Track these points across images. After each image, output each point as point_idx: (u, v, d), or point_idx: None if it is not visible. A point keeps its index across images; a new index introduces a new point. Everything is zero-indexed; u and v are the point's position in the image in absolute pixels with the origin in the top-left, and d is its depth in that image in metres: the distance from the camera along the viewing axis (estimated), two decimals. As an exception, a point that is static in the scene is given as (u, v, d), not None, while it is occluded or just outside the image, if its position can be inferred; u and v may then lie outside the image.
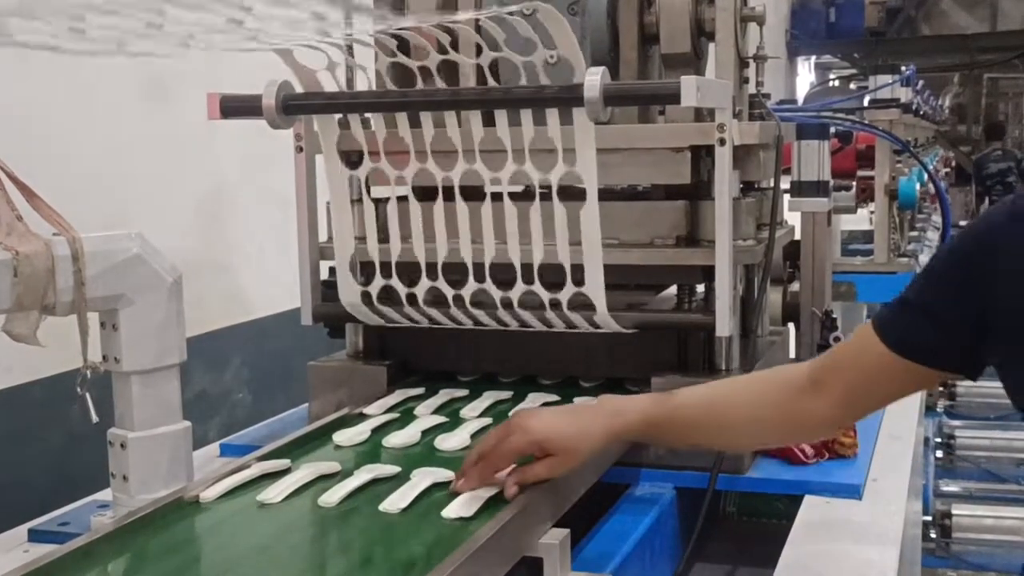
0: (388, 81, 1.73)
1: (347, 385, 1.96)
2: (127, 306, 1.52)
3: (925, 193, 4.92)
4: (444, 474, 1.45)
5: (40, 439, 2.57)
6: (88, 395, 1.49)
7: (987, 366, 1.29)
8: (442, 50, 1.66)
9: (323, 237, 1.99)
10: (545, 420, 1.42)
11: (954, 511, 4.25)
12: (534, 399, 1.84)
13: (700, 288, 1.89)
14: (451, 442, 1.63)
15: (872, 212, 4.68)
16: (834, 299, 2.52)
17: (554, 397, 1.86)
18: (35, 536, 1.65)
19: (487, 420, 1.74)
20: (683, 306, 1.90)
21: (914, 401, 2.33)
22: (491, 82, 1.72)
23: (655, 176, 1.86)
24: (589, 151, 1.58)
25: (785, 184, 2.23)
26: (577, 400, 1.82)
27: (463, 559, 1.16)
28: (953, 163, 10.26)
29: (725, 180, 1.69)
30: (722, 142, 1.69)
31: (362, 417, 1.77)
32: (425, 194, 1.75)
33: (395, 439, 1.65)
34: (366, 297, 1.84)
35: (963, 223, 5.33)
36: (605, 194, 1.65)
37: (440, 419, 1.75)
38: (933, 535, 4.19)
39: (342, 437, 1.66)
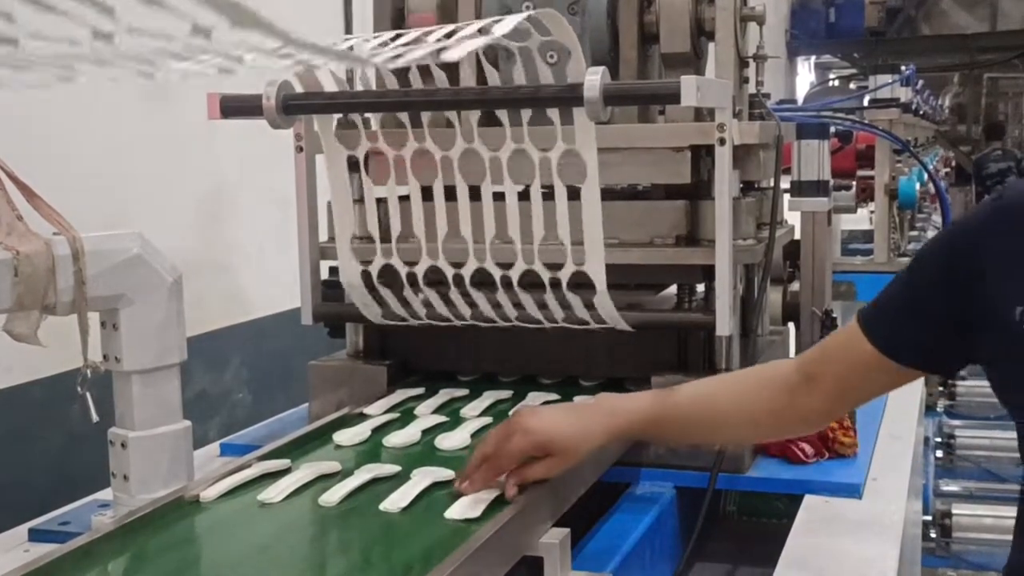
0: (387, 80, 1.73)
1: (347, 385, 1.96)
2: (127, 306, 1.52)
3: (925, 193, 4.92)
4: (444, 473, 1.45)
5: (40, 439, 2.57)
6: (88, 395, 1.49)
7: (973, 363, 1.31)
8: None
9: (323, 237, 1.99)
10: (546, 420, 1.42)
11: (954, 511, 4.26)
12: (534, 399, 1.84)
13: (700, 288, 1.89)
14: (451, 441, 1.63)
15: (872, 212, 4.68)
16: (834, 299, 2.52)
17: (554, 396, 1.86)
18: (36, 536, 1.65)
19: (487, 420, 1.74)
20: (683, 306, 1.90)
21: (914, 401, 2.33)
22: (490, 79, 1.72)
23: (655, 176, 1.86)
24: (589, 133, 1.58)
25: (785, 184, 2.23)
26: (577, 400, 1.82)
27: (463, 558, 1.16)
28: (953, 163, 10.26)
29: (725, 180, 1.69)
30: (722, 142, 1.69)
31: (362, 417, 1.77)
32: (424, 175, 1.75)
33: (395, 439, 1.65)
34: (366, 277, 1.83)
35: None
36: (605, 194, 1.65)
37: (440, 419, 1.75)
38: (933, 535, 4.20)
39: (342, 437, 1.66)
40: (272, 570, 1.24)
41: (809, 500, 1.71)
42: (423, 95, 1.70)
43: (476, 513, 1.32)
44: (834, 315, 2.39)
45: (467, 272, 1.74)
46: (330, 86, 1.72)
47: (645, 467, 1.78)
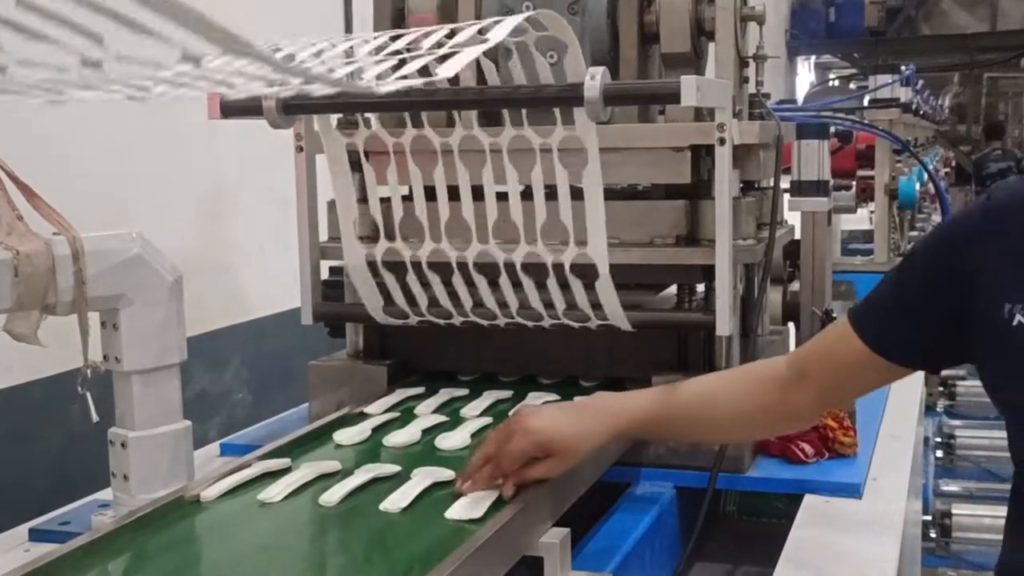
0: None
1: (347, 385, 1.96)
2: (127, 306, 1.52)
3: (925, 193, 4.91)
4: (444, 473, 1.45)
5: (41, 439, 2.58)
6: (88, 395, 1.49)
7: (963, 362, 1.33)
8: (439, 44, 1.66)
9: (323, 237, 1.99)
10: (546, 420, 1.42)
11: (954, 511, 4.26)
12: (534, 398, 1.85)
13: (700, 288, 1.89)
14: (451, 441, 1.63)
15: (872, 212, 4.68)
16: (834, 299, 2.52)
17: (554, 396, 1.86)
18: (36, 535, 1.65)
19: (487, 419, 1.74)
20: (683, 305, 1.91)
21: (914, 401, 2.34)
22: (489, 77, 1.72)
23: (655, 176, 1.86)
24: (589, 124, 1.58)
25: (785, 184, 2.23)
26: (576, 399, 1.82)
27: (463, 558, 1.16)
28: (953, 163, 10.25)
29: (725, 180, 1.69)
30: (722, 142, 1.69)
31: (362, 416, 1.77)
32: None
33: (395, 438, 1.65)
34: (370, 260, 1.83)
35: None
36: (605, 194, 1.65)
37: (440, 418, 1.75)
38: (933, 535, 4.20)
39: (342, 436, 1.66)
40: (272, 570, 1.24)
41: (809, 500, 1.71)
42: (423, 95, 1.69)
43: (477, 513, 1.32)
44: (834, 315, 2.38)
45: (471, 254, 1.74)
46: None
47: (645, 467, 1.78)
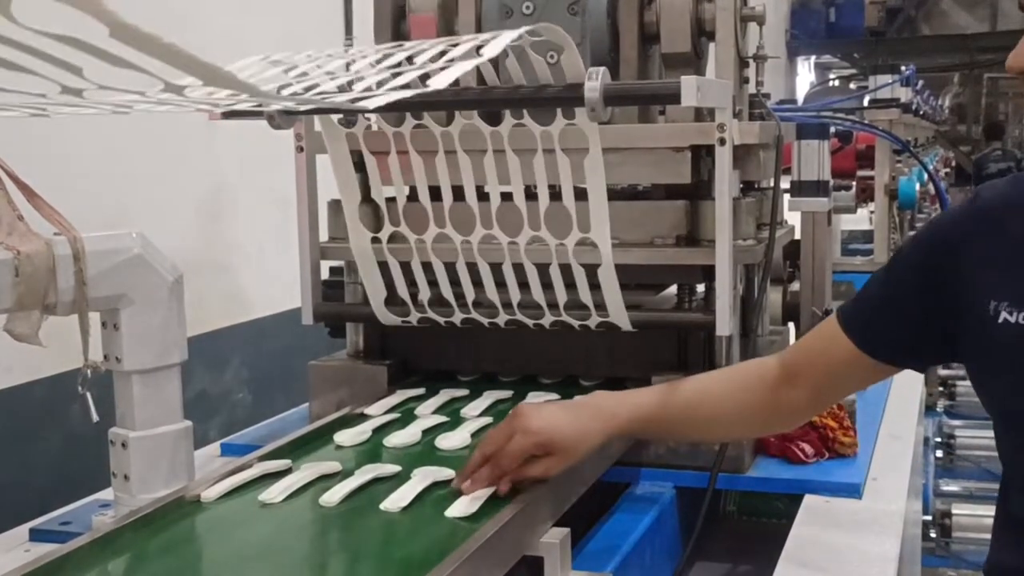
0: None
1: (348, 385, 1.96)
2: (128, 306, 1.52)
3: (925, 193, 4.91)
4: (445, 473, 1.45)
5: (41, 438, 2.58)
6: (89, 395, 1.49)
7: (950, 360, 1.35)
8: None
9: (323, 237, 1.99)
10: (546, 419, 1.42)
11: (954, 511, 4.26)
12: (534, 398, 1.84)
13: (700, 287, 1.89)
14: (452, 441, 1.63)
15: (872, 212, 4.68)
16: (834, 299, 2.52)
17: (554, 396, 1.86)
18: (36, 535, 1.65)
19: (488, 419, 1.74)
20: (683, 305, 1.91)
21: (914, 401, 2.34)
22: (488, 78, 1.72)
23: (655, 176, 1.86)
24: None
25: (785, 184, 2.24)
26: (575, 398, 1.82)
27: (464, 558, 1.16)
28: (953, 163, 10.25)
29: (725, 180, 1.69)
30: (722, 142, 1.69)
31: (363, 417, 1.78)
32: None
33: (396, 439, 1.65)
34: (375, 243, 1.83)
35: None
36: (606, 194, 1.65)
37: (441, 419, 1.75)
38: (933, 534, 4.20)
39: (343, 437, 1.66)
40: (273, 570, 1.24)
41: (809, 500, 1.71)
42: (423, 95, 1.70)
43: (474, 509, 1.32)
44: (834, 315, 2.39)
45: (475, 239, 1.74)
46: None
47: (645, 467, 1.78)
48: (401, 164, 1.78)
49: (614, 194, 1.98)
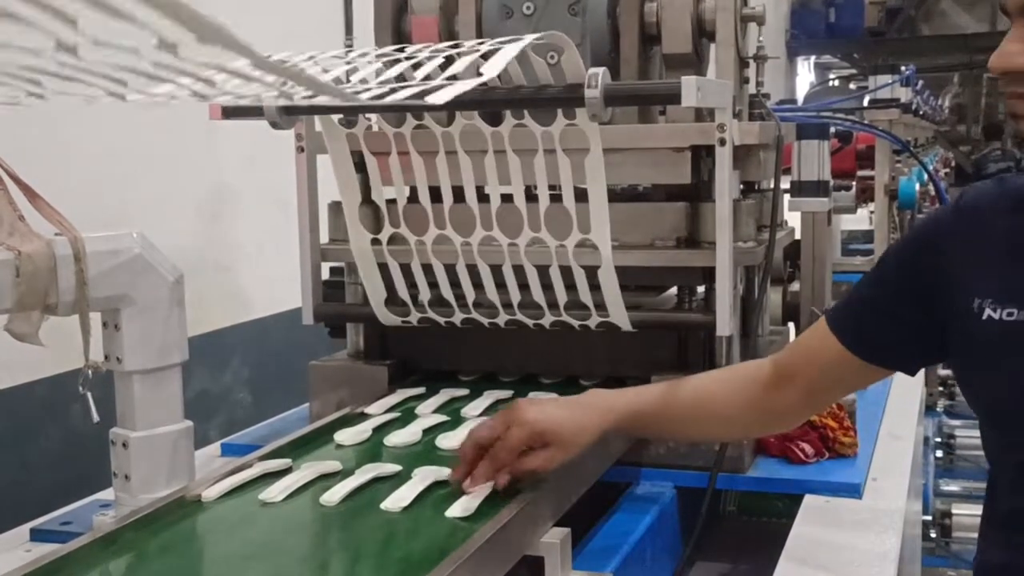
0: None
1: (348, 385, 1.96)
2: (129, 306, 1.52)
3: (925, 193, 4.91)
4: (445, 473, 1.45)
5: (42, 438, 2.58)
6: (90, 395, 1.49)
7: (938, 361, 1.36)
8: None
9: (323, 239, 1.99)
10: (542, 411, 1.43)
11: (954, 511, 4.26)
12: (535, 398, 1.85)
13: (700, 287, 1.89)
14: (452, 441, 1.63)
15: (872, 212, 4.68)
16: (834, 299, 2.53)
17: (554, 396, 1.86)
18: (37, 535, 1.66)
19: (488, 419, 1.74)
20: (683, 305, 1.91)
21: (914, 401, 2.34)
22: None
23: (655, 176, 1.86)
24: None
25: (785, 184, 2.24)
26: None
27: (464, 558, 1.16)
28: (953, 163, 10.25)
29: (725, 180, 1.69)
30: (722, 142, 1.69)
31: (363, 416, 1.78)
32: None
33: (396, 438, 1.65)
34: (375, 244, 1.83)
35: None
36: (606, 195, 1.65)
37: (441, 418, 1.76)
38: (933, 534, 4.20)
39: (343, 436, 1.66)
40: (273, 570, 1.24)
41: (809, 500, 1.71)
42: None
43: (474, 507, 1.33)
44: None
45: (475, 240, 1.74)
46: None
47: (645, 467, 1.78)
48: (402, 164, 1.78)
49: (614, 196, 1.98)
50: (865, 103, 4.75)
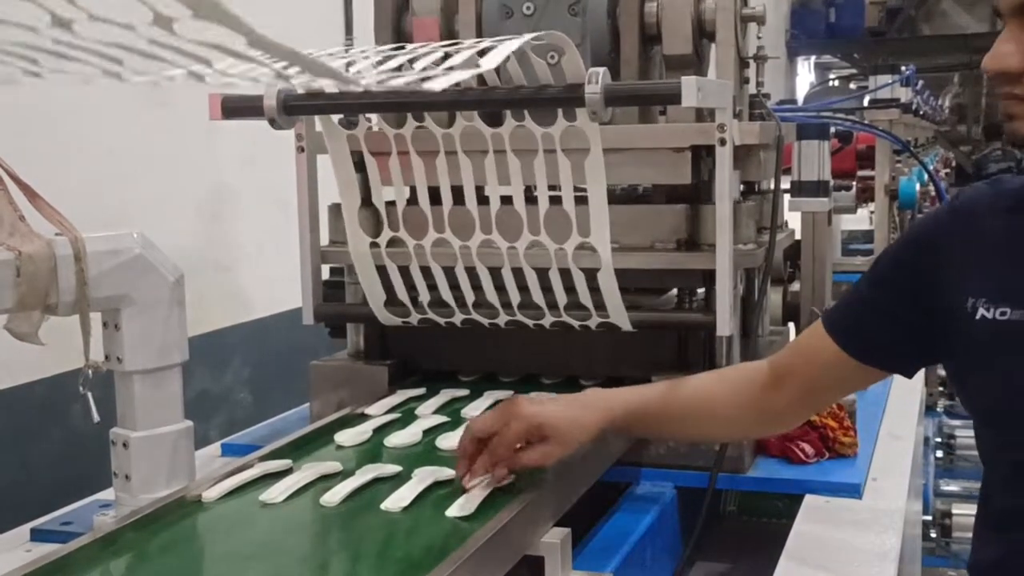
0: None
1: (348, 385, 1.96)
2: (129, 306, 1.52)
3: (925, 193, 4.91)
4: (445, 473, 1.45)
5: (42, 438, 2.58)
6: (90, 395, 1.49)
7: (933, 362, 1.39)
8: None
9: (324, 240, 1.99)
10: (540, 405, 1.44)
11: (954, 511, 4.25)
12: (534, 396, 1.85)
13: (701, 288, 1.89)
14: (452, 441, 1.63)
15: (872, 212, 4.68)
16: (834, 299, 2.53)
17: (554, 395, 1.86)
18: (37, 535, 1.66)
19: (488, 420, 1.74)
20: (684, 306, 1.91)
21: (914, 401, 2.34)
22: (488, 78, 1.72)
23: (655, 176, 1.86)
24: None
25: (785, 184, 2.24)
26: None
27: (464, 558, 1.16)
28: (953, 163, 10.24)
29: (726, 180, 1.69)
30: (723, 142, 1.69)
31: (363, 417, 1.78)
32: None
33: (396, 439, 1.65)
34: (374, 248, 1.83)
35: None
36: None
37: (441, 419, 1.76)
38: (933, 535, 4.19)
39: (343, 437, 1.66)
40: (274, 570, 1.24)
41: (809, 500, 1.71)
42: (424, 95, 1.70)
43: (474, 507, 1.33)
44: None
45: (474, 243, 1.74)
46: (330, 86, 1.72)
47: (645, 467, 1.78)
48: (402, 165, 1.78)
49: (614, 197, 1.98)
50: (865, 103, 4.75)
